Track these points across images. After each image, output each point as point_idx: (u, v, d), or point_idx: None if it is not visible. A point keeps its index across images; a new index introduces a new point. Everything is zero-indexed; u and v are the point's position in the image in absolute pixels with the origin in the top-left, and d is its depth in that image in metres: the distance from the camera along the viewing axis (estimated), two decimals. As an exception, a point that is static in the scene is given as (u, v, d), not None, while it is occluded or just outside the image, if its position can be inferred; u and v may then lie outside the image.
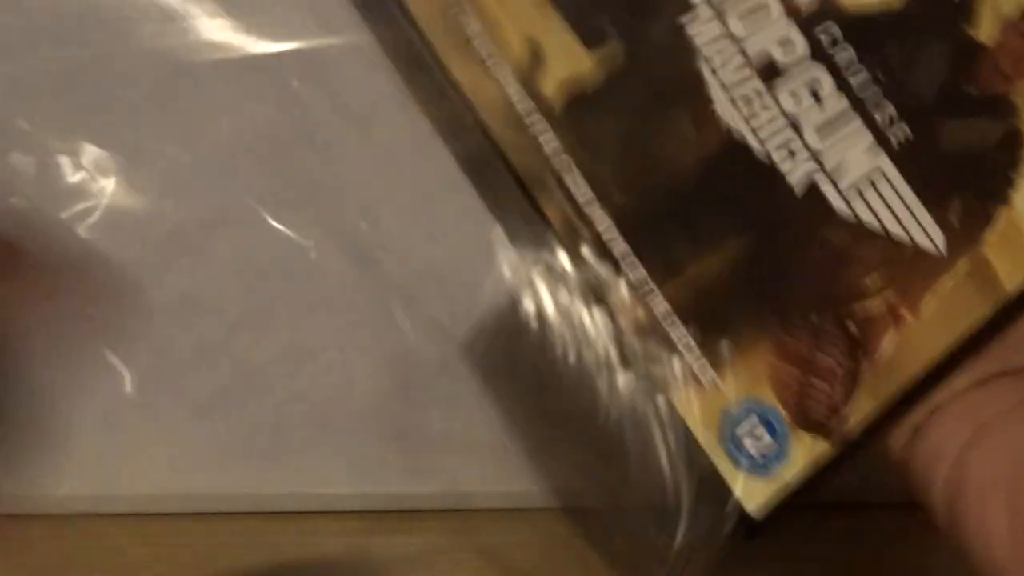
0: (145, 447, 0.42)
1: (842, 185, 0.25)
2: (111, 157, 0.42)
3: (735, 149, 0.25)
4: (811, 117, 0.25)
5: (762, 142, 0.25)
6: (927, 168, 0.25)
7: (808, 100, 0.25)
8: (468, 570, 0.40)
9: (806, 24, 0.25)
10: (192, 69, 0.42)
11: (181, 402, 0.42)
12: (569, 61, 0.25)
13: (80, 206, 0.43)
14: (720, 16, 0.25)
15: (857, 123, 0.25)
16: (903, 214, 0.25)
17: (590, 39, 0.25)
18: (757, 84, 0.25)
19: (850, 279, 0.25)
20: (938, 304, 0.24)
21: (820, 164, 0.25)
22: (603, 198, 0.24)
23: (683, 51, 0.25)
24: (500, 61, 0.25)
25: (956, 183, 0.25)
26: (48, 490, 0.42)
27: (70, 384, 0.42)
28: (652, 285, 0.24)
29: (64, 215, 0.42)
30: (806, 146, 0.25)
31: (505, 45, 0.25)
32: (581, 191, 0.24)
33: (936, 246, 0.25)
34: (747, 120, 0.25)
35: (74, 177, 0.42)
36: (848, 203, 0.25)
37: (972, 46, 0.26)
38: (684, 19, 0.25)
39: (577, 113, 0.25)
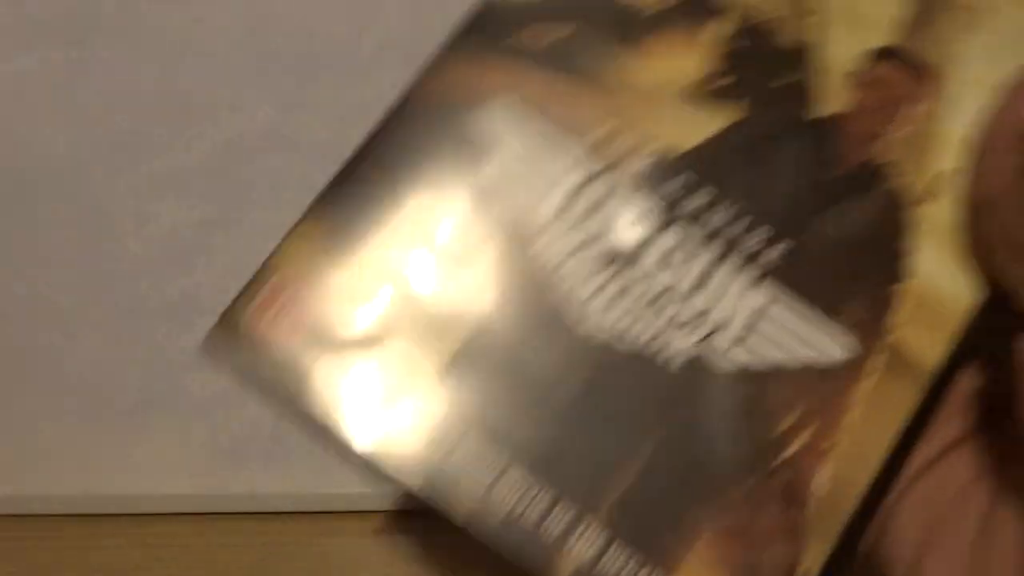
0: (145, 447, 0.42)
1: (732, 337, 0.23)
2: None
3: (613, 353, 0.23)
4: (682, 284, 0.24)
5: (639, 334, 0.23)
6: (815, 276, 0.24)
7: (674, 267, 0.24)
8: (472, 569, 0.40)
9: (656, 184, 0.24)
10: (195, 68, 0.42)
11: (181, 402, 0.42)
12: (449, 334, 0.23)
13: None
14: (570, 226, 0.24)
15: (731, 264, 0.24)
16: (803, 336, 0.23)
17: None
18: (620, 278, 0.24)
19: (767, 430, 0.23)
20: (864, 412, 0.23)
21: (703, 328, 0.23)
22: (515, 454, 0.23)
23: (542, 275, 0.24)
24: None
25: (850, 279, 0.24)
26: (47, 490, 0.42)
27: (70, 385, 0.42)
28: (586, 520, 0.23)
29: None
30: (684, 317, 0.23)
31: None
32: (495, 456, 0.23)
33: (846, 353, 0.23)
34: (620, 318, 0.23)
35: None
36: (743, 352, 0.23)
37: (824, 124, 0.24)
38: (525, 254, 0.24)
39: (455, 383, 0.23)
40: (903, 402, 0.23)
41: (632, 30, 0.25)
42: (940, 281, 0.24)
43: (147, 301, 0.42)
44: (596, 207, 0.24)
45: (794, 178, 0.24)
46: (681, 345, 0.23)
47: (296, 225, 0.24)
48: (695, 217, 0.24)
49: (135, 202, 0.42)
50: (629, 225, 0.24)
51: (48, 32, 0.42)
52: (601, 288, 0.24)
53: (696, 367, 0.23)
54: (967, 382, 0.25)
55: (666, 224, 0.24)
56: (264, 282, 0.24)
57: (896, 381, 0.23)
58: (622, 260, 0.24)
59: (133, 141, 0.42)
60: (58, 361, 0.42)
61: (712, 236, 0.24)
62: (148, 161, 0.42)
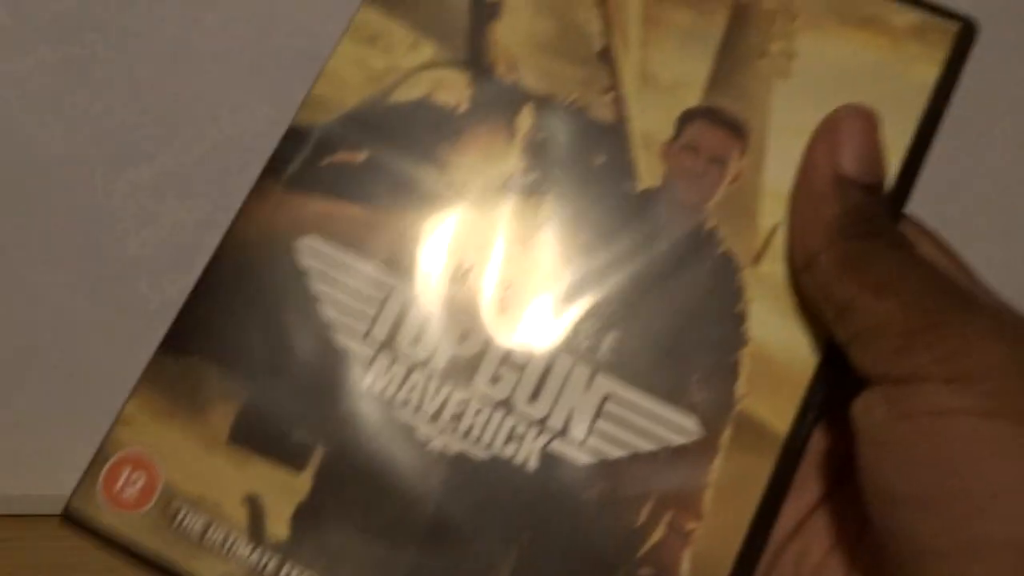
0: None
1: (577, 437, 0.23)
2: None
3: (470, 460, 0.23)
4: (520, 391, 0.23)
5: (491, 441, 0.23)
6: (649, 362, 0.23)
7: (506, 378, 0.23)
8: None
9: (479, 294, 0.24)
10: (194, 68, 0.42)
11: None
12: (287, 494, 0.23)
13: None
14: (397, 357, 0.23)
15: (567, 363, 0.23)
16: (645, 425, 0.23)
17: (296, 461, 0.23)
18: (457, 396, 0.23)
19: (628, 520, 0.22)
20: (721, 489, 0.22)
21: (547, 433, 0.23)
22: None
23: (381, 409, 0.23)
24: (231, 536, 0.23)
25: (688, 355, 0.23)
26: (46, 490, 0.42)
27: (70, 385, 0.42)
28: None
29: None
30: (526, 425, 0.23)
31: (227, 518, 0.23)
32: None
33: (691, 435, 0.23)
34: (465, 435, 0.23)
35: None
36: (592, 448, 0.23)
37: (646, 198, 0.24)
38: (367, 381, 0.23)
39: (309, 532, 0.23)
40: (759, 473, 0.22)
41: (444, 135, 0.24)
42: (781, 343, 0.23)
43: (147, 301, 0.42)
44: (422, 326, 0.24)
45: (620, 260, 0.23)
46: (531, 448, 0.23)
47: (130, 397, 0.24)
48: (521, 321, 0.23)
49: (135, 202, 0.42)
50: (459, 340, 0.23)
51: (47, 32, 0.42)
52: (444, 404, 0.23)
53: (551, 466, 0.23)
54: (818, 444, 0.24)
55: (493, 335, 0.23)
56: (108, 458, 0.24)
57: (749, 453, 0.22)
58: (457, 375, 0.23)
59: (133, 141, 0.42)
60: (58, 361, 0.42)
61: (542, 338, 0.23)
62: (148, 161, 0.42)
